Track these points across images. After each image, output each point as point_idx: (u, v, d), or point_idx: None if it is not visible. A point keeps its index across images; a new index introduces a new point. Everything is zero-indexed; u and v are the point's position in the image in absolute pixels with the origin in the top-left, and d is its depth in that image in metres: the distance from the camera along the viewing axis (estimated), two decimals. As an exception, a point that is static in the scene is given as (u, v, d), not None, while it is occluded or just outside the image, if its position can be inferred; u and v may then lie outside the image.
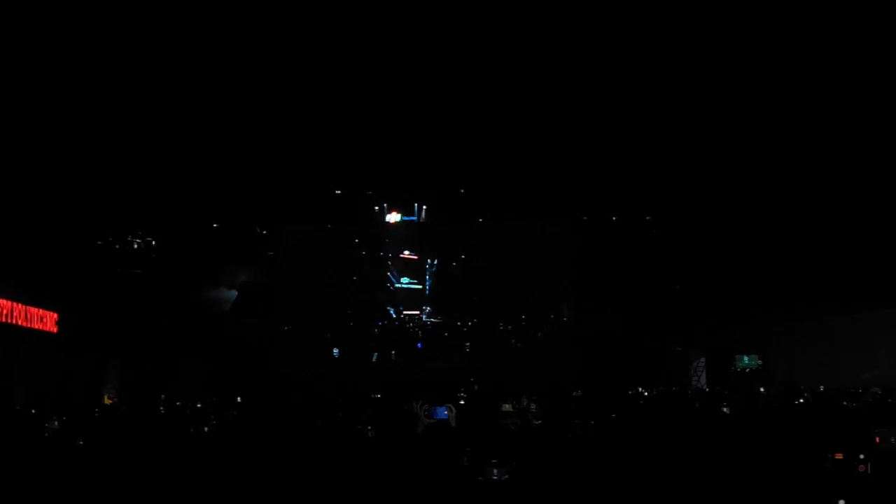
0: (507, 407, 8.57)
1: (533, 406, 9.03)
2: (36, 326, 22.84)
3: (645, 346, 28.44)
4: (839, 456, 6.32)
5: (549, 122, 20.90)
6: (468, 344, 32.01)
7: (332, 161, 23.78)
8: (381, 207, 31.04)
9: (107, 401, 25.01)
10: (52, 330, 23.62)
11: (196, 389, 24.79)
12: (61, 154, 19.74)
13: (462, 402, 13.72)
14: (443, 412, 6.93)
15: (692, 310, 26.73)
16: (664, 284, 27.72)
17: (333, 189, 27.61)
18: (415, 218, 31.51)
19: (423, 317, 33.11)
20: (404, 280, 33.36)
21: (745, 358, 27.20)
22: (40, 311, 23.03)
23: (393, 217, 31.30)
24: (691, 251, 26.27)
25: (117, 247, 26.49)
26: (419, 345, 31.89)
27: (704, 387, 26.61)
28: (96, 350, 25.21)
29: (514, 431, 8.06)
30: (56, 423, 10.29)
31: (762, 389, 21.07)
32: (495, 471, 5.37)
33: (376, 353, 31.50)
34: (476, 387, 25.73)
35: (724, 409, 12.14)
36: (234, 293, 30.78)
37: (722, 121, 19.70)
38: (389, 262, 33.26)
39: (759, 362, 26.85)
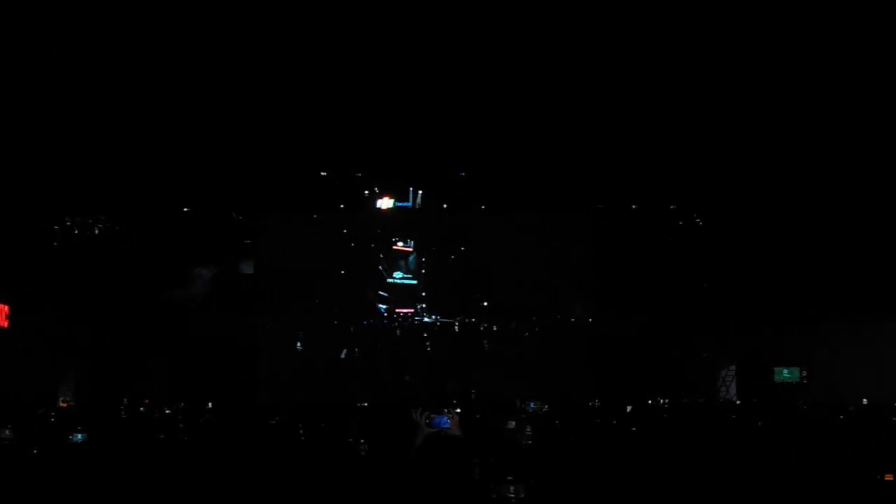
0: (511, 424, 8.75)
1: (528, 428, 9.17)
2: (-17, 320, 22.82)
3: (666, 352, 28.41)
4: (889, 477, 6.33)
5: (561, 96, 20.83)
6: (465, 346, 31.97)
7: (318, 140, 23.74)
8: (372, 192, 30.98)
9: (61, 404, 24.98)
10: (2, 324, 23.57)
11: (162, 392, 24.76)
12: (13, 128, 19.67)
13: (458, 411, 13.76)
14: (444, 421, 6.92)
15: (721, 312, 26.68)
16: (690, 282, 27.68)
17: (319, 171, 27.57)
18: (409, 204, 31.44)
19: (417, 315, 33.06)
20: (397, 274, 33.32)
21: (785, 371, 27.25)
22: (-11, 302, 23.01)
23: (385, 203, 31.21)
24: (721, 246, 26.23)
25: (76, 232, 26.43)
26: (396, 346, 31.79)
27: (734, 398, 26.64)
28: (52, 347, 25.15)
29: (519, 443, 8.16)
30: (8, 431, 10.23)
31: (801, 402, 21.14)
32: (512, 488, 5.36)
33: (345, 350, 31.39)
34: (472, 395, 25.72)
35: (759, 423, 12.21)
36: (206, 286, 30.73)
37: (759, 103, 19.71)
38: (381, 254, 33.23)
39: (804, 373, 26.89)
